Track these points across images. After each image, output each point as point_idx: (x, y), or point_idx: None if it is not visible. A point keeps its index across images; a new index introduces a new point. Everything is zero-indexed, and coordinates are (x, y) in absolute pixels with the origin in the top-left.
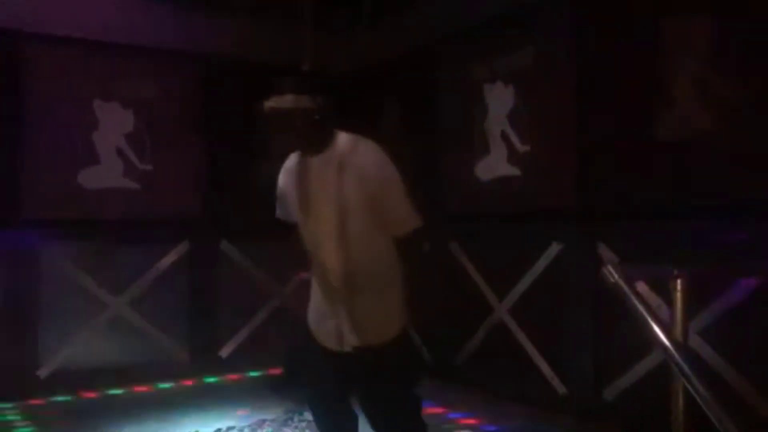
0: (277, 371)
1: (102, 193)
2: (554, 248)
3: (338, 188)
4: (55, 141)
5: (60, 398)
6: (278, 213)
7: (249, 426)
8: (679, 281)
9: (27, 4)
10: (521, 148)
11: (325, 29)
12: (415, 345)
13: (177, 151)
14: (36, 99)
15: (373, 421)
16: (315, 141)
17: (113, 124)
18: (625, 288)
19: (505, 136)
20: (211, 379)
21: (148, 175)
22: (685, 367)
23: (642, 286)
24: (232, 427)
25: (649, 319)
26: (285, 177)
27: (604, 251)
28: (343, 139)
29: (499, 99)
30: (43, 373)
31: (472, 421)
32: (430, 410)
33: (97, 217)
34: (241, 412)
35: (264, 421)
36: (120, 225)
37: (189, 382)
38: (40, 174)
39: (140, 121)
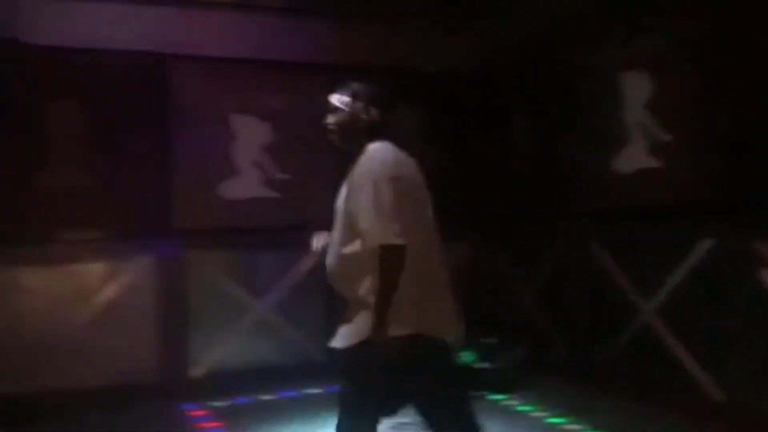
0: None
1: (242, 202)
2: (705, 244)
3: (341, 195)
4: (198, 155)
5: (211, 401)
6: None
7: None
8: None
9: (171, 29)
10: (662, 138)
11: (453, 28)
12: (390, 367)
13: (313, 159)
14: (181, 116)
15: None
16: (350, 144)
17: (250, 137)
18: None
19: (643, 127)
20: None
21: (286, 183)
22: None
23: None
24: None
25: None
26: None
27: (762, 246)
28: (369, 147)
29: (636, 87)
30: (194, 373)
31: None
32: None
33: (238, 225)
34: None
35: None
36: (260, 232)
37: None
38: (187, 186)
39: (276, 133)
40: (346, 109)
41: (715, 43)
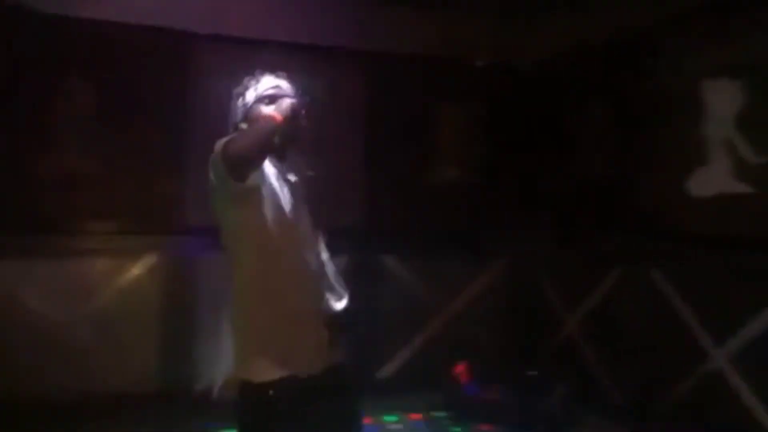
0: None
1: None
2: None
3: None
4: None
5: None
6: None
7: None
8: None
9: (196, 4)
10: (754, 159)
11: (508, 16)
12: None
13: (338, 155)
14: (203, 102)
15: None
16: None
17: None
18: None
19: (730, 145)
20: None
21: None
22: None
23: None
24: None
25: None
26: None
27: None
28: None
29: (723, 98)
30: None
31: None
32: None
33: None
34: None
35: None
36: None
37: None
38: (205, 180)
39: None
40: None
41: None
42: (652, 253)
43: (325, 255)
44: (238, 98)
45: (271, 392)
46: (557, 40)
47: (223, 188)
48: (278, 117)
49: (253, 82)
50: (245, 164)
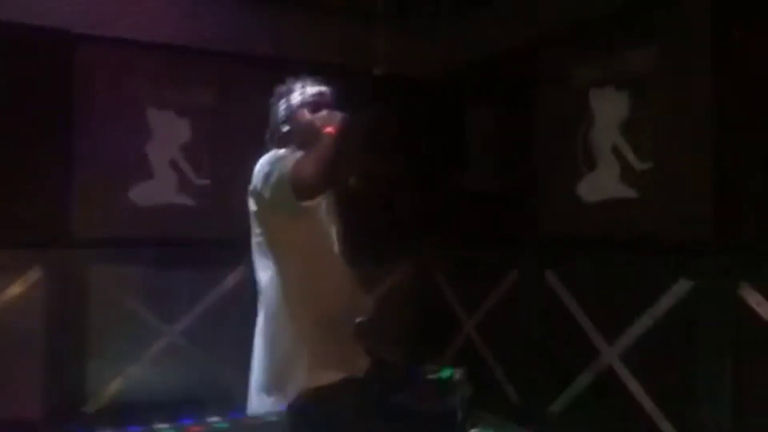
0: None
1: (155, 210)
2: (683, 286)
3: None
4: (106, 152)
5: None
6: None
7: None
8: None
9: (81, 3)
10: (639, 165)
11: (404, 28)
12: None
13: (238, 163)
14: (87, 106)
15: None
16: None
17: (168, 134)
18: None
19: (617, 151)
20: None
21: (205, 190)
22: None
23: None
24: None
25: None
26: None
27: (749, 293)
28: None
29: (610, 107)
30: (90, 408)
31: None
32: None
33: (149, 236)
34: None
35: None
36: (174, 245)
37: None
38: (90, 188)
39: (197, 131)
40: None
41: (718, 65)
42: (547, 256)
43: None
44: (280, 99)
45: (333, 395)
46: (454, 51)
47: (283, 205)
48: (332, 131)
49: (298, 85)
50: (318, 189)
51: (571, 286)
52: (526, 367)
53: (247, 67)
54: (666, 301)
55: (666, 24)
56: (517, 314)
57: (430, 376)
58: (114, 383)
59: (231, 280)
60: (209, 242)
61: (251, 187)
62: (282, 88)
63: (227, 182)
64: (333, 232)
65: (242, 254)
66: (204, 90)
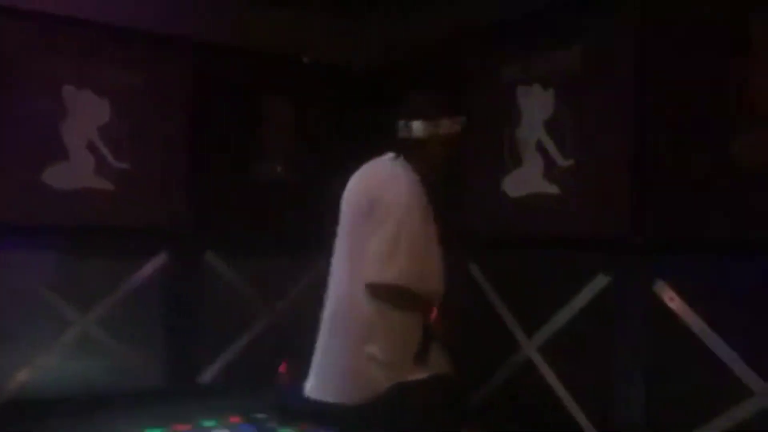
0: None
1: (70, 194)
2: (600, 281)
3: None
4: (17, 131)
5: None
6: None
7: None
8: None
9: None
10: (561, 162)
11: (335, 16)
12: None
13: (159, 147)
14: None
15: None
16: None
17: (85, 115)
18: None
19: (541, 148)
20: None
21: (124, 174)
22: None
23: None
24: None
25: None
26: None
27: (663, 289)
28: None
29: (536, 104)
30: None
31: None
32: None
33: (64, 222)
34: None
35: None
36: (90, 232)
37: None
38: (0, 170)
39: (117, 112)
40: None
41: (640, 66)
42: (470, 250)
43: None
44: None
45: (433, 388)
46: (387, 42)
47: None
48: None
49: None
50: None
51: (494, 280)
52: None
53: (172, 48)
54: (584, 296)
55: (591, 24)
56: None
57: None
58: (20, 374)
59: (150, 267)
60: (128, 228)
61: (368, 194)
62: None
63: (148, 166)
64: None
65: (162, 241)
66: (126, 70)
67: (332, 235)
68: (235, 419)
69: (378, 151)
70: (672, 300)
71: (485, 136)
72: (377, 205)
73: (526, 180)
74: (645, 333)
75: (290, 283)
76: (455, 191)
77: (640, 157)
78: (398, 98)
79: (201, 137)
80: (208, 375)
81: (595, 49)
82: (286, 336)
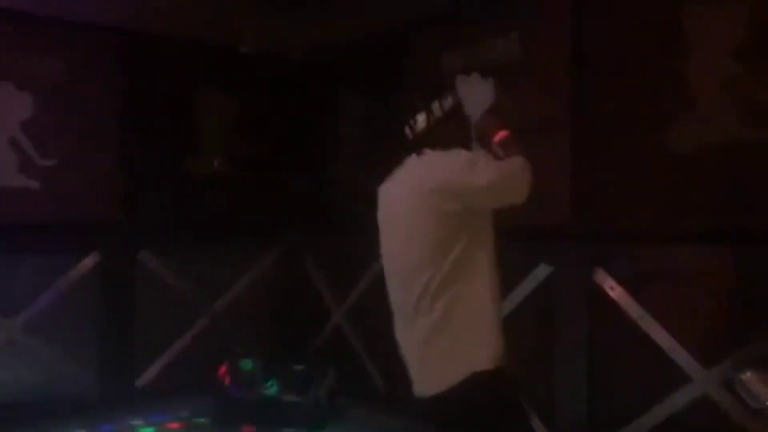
0: None
1: None
2: (543, 270)
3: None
4: None
5: None
6: None
7: None
8: None
9: None
10: None
11: (273, 4)
12: None
13: (88, 142)
14: None
15: None
16: None
17: (6, 109)
18: None
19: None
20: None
21: (51, 171)
22: None
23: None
24: None
25: None
26: None
27: (603, 277)
28: None
29: (476, 93)
30: None
31: None
32: None
33: None
34: None
35: None
36: (15, 232)
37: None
38: None
39: (41, 106)
40: None
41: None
42: None
43: None
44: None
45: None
46: (324, 32)
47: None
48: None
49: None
50: None
51: None
52: (394, 355)
53: (97, 38)
54: (527, 285)
55: (526, 12)
56: (384, 301)
57: (296, 368)
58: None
59: (81, 268)
60: (56, 228)
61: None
62: None
63: (76, 163)
64: None
65: (94, 240)
66: (49, 62)
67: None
68: (173, 425)
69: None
70: (612, 289)
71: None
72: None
73: None
74: (587, 320)
75: (231, 281)
76: None
77: (580, 148)
78: (341, 89)
79: (132, 131)
80: (144, 379)
81: (532, 36)
82: (227, 336)
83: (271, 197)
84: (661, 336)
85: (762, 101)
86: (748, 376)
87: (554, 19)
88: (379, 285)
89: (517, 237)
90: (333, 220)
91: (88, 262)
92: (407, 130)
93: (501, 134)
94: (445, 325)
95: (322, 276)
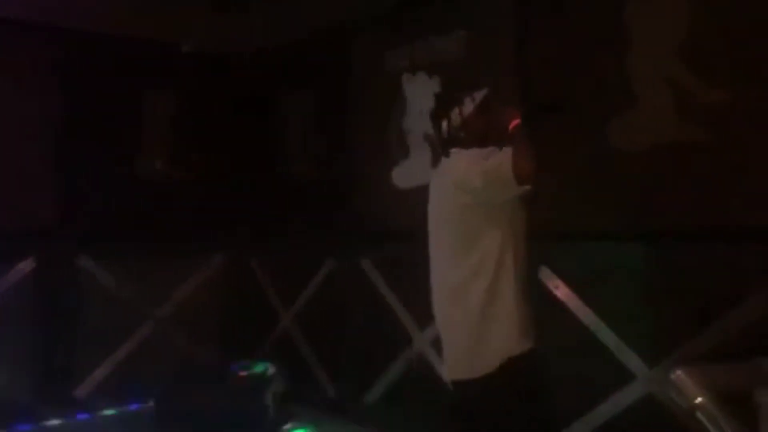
0: None
1: None
2: None
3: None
4: None
5: None
6: None
7: None
8: None
9: None
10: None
11: (216, 3)
12: None
13: (21, 146)
14: None
15: None
16: None
17: None
18: None
19: (428, 137)
20: None
21: None
22: None
23: None
24: None
25: None
26: None
27: (548, 276)
28: None
29: (421, 92)
30: None
31: None
32: None
33: None
34: None
35: None
36: None
37: None
38: None
39: None
40: None
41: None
42: (363, 244)
43: None
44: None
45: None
46: (267, 31)
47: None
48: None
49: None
50: None
51: (386, 274)
52: (342, 358)
53: (32, 37)
54: None
55: (473, 11)
56: (334, 304)
57: (243, 373)
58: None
59: (16, 274)
60: None
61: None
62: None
63: (10, 165)
64: None
65: (29, 245)
66: None
67: None
68: None
69: None
70: (557, 288)
71: (373, 126)
72: None
73: (414, 171)
74: None
75: (175, 286)
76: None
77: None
78: (286, 89)
79: (69, 132)
80: (85, 388)
81: (477, 33)
82: (172, 343)
83: (215, 198)
84: (606, 335)
85: (702, 100)
86: (677, 374)
87: (499, 17)
88: (326, 288)
89: None
90: (280, 219)
91: (24, 268)
92: (443, 125)
93: (515, 123)
94: (485, 311)
95: (269, 279)
